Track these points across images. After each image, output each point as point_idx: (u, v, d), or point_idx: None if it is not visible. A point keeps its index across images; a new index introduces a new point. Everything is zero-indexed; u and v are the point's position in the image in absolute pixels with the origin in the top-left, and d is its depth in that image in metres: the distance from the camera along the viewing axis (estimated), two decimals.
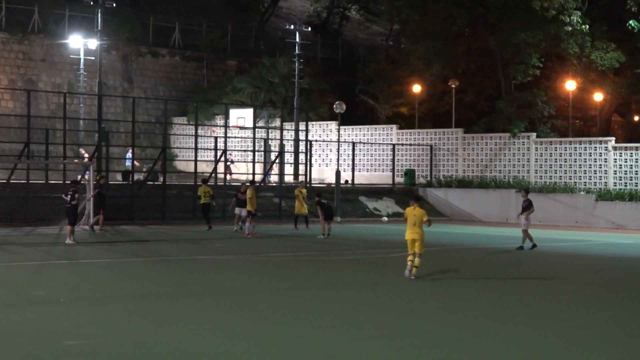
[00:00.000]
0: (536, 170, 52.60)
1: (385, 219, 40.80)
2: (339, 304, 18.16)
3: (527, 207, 32.24)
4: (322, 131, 61.93)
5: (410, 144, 58.38)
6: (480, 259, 28.78)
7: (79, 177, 43.24)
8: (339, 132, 51.95)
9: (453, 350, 13.69)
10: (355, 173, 56.70)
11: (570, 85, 57.18)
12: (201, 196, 39.55)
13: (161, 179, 47.27)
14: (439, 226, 42.59)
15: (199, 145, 51.22)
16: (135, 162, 49.82)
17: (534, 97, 56.90)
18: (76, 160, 50.99)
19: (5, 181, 42.34)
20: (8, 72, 61.82)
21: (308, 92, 66.42)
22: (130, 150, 53.83)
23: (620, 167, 49.36)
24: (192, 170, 48.33)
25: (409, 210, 22.34)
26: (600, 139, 51.47)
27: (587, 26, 53.99)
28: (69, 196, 30.95)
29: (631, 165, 49.02)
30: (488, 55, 63.70)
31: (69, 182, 43.02)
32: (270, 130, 58.38)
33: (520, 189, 51.18)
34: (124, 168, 51.20)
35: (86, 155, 50.44)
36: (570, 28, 53.48)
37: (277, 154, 53.44)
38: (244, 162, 58.23)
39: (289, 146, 57.25)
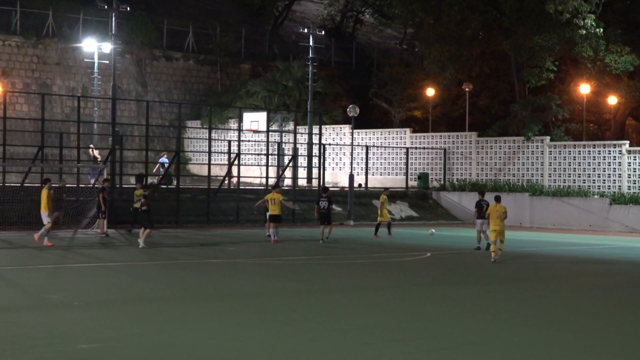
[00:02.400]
0: (550, 174, 52.48)
1: (433, 230, 40.47)
2: (351, 307, 18.16)
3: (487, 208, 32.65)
4: (335, 135, 61.92)
5: (424, 148, 58.34)
6: (492, 263, 28.71)
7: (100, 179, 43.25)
8: (352, 135, 51.94)
9: (466, 354, 13.68)
10: (369, 176, 56.71)
11: (584, 88, 57.02)
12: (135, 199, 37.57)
13: (175, 182, 47.35)
14: (453, 230, 42.60)
15: (213, 149, 51.28)
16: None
17: (548, 101, 56.72)
18: (93, 151, 50.77)
19: (19, 184, 42.49)
20: (23, 76, 62.03)
21: (322, 96, 66.46)
22: (165, 155, 54.01)
23: (635, 171, 49.20)
24: (206, 173, 48.38)
25: (492, 207, 28.75)
26: (614, 142, 51.31)
27: (602, 29, 53.82)
28: (139, 201, 31.08)
29: None
30: (502, 59, 63.60)
31: (83, 185, 43.32)
32: (283, 134, 58.42)
33: (533, 192, 51.38)
34: (138, 171, 51.31)
35: (96, 154, 50.45)
36: (584, 31, 53.32)
37: (290, 157, 53.45)
38: (258, 165, 58.31)
39: (302, 150, 57.24)
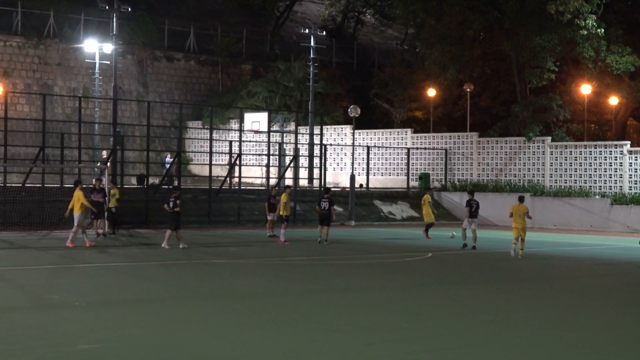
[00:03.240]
0: (551, 174, 52.46)
1: (454, 233, 40.39)
2: (352, 307, 18.15)
3: (477, 207, 34.43)
4: (336, 135, 61.93)
5: (425, 148, 58.33)
6: (494, 263, 28.72)
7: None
8: (353, 136, 51.91)
9: (467, 355, 13.67)
10: (370, 177, 56.69)
11: (585, 89, 57.02)
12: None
13: (176, 182, 47.32)
14: (454, 230, 42.52)
15: (214, 149, 51.26)
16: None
17: (550, 101, 56.71)
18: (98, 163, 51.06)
19: (20, 185, 42.49)
20: (24, 77, 62.06)
21: (323, 96, 66.46)
22: (169, 156, 54.02)
23: (636, 171, 49.18)
24: (207, 174, 48.40)
25: (515, 206, 30.45)
26: (615, 142, 51.30)
27: (603, 30, 53.80)
28: (171, 203, 31.05)
29: None
30: (503, 60, 63.59)
31: (85, 185, 43.29)
32: (285, 134, 58.42)
33: (535, 193, 51.37)
34: (139, 172, 51.30)
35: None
36: (585, 32, 53.30)
37: (291, 158, 53.44)
38: (259, 166, 58.31)
39: (303, 150, 57.25)
